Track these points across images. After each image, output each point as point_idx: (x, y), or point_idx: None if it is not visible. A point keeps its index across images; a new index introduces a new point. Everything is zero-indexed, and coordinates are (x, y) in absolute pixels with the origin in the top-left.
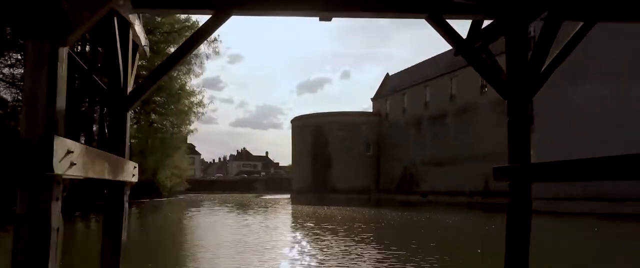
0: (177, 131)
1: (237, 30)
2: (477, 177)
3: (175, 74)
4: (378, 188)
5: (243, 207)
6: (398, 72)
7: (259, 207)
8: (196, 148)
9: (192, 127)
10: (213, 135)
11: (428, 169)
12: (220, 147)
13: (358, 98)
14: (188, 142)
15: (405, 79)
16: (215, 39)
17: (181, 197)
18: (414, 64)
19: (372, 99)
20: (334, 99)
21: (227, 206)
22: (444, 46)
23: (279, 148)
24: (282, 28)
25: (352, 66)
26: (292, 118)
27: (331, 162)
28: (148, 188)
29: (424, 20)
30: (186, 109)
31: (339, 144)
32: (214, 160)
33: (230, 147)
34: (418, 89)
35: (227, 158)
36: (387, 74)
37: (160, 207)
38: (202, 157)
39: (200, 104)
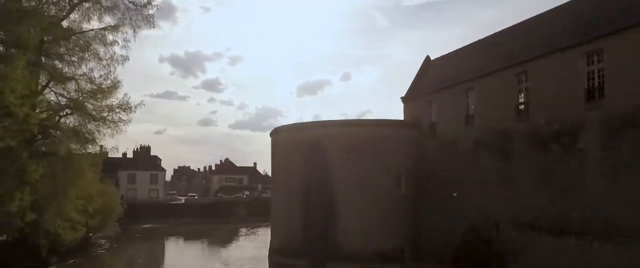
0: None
1: (238, 31)
2: None
3: None
4: (417, 255)
5: None
6: (450, 53)
7: None
8: (161, 164)
9: (108, 144)
10: (213, 137)
11: (530, 237)
12: (219, 149)
13: (360, 100)
14: (152, 154)
15: (468, 64)
16: (148, 2)
17: (102, 250)
18: (481, 38)
19: (404, 99)
20: (335, 101)
21: None
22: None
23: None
24: (282, 29)
25: (352, 67)
26: (272, 129)
27: (336, 206)
28: (22, 251)
29: (423, 21)
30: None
31: (349, 175)
32: (199, 169)
33: (228, 148)
34: (501, 79)
35: (213, 167)
36: (428, 57)
37: None
38: (188, 165)
39: (123, 106)
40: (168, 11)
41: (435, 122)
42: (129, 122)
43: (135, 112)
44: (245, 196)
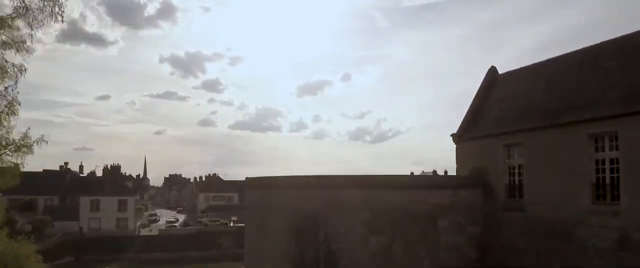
0: None
1: (238, 31)
2: None
3: None
4: None
5: None
6: (541, 63)
7: None
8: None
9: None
10: (212, 138)
11: None
12: (219, 150)
13: (360, 100)
14: (123, 172)
15: (595, 85)
16: None
17: None
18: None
19: (456, 138)
20: (335, 101)
21: None
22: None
23: (273, 157)
24: (282, 29)
25: (352, 68)
26: (248, 179)
27: None
28: None
29: (423, 21)
30: None
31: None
32: (189, 179)
33: (228, 149)
34: None
35: (203, 178)
36: (494, 69)
37: None
38: (180, 174)
39: (16, 144)
40: (168, 11)
41: (520, 184)
42: (23, 166)
43: (32, 153)
44: (231, 224)
